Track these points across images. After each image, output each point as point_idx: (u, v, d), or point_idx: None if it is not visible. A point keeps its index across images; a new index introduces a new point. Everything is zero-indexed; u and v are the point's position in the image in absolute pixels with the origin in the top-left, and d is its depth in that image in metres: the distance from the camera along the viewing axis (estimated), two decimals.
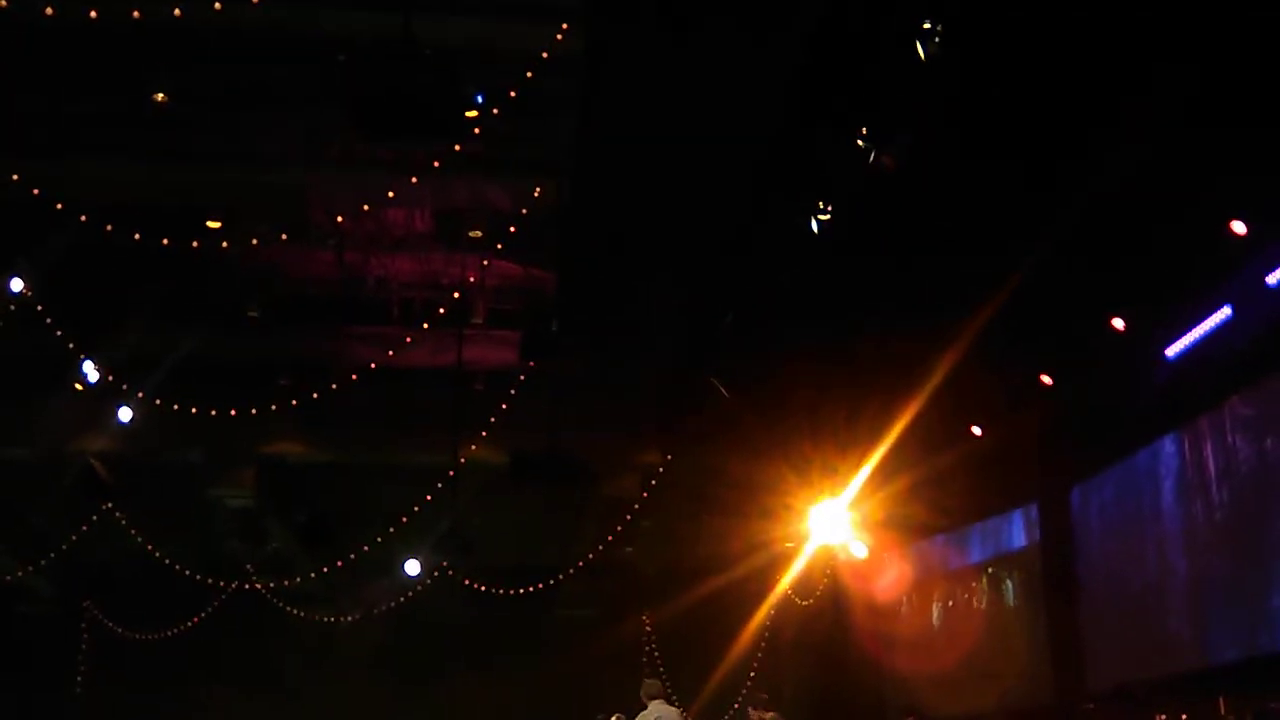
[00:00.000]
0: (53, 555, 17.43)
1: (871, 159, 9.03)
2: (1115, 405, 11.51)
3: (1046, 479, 13.18)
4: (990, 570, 14.73)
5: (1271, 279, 8.86)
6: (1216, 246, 8.81)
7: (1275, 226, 8.37)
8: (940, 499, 14.09)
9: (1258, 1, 6.61)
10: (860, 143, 9.04)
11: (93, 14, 9.94)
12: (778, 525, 16.07)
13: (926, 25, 7.80)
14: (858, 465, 14.18)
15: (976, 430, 13.17)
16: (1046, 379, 11.77)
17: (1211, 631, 10.74)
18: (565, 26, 10.48)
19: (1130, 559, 12.09)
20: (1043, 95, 8.10)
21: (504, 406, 15.05)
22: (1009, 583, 14.25)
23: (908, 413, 12.52)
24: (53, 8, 9.88)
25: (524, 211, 12.88)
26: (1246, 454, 10.14)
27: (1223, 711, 10.55)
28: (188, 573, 17.67)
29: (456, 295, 14.59)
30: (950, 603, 15.52)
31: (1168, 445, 11.31)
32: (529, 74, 10.75)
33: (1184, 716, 10.82)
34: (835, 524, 15.61)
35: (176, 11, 9.90)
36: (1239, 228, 8.59)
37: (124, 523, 16.96)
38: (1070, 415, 11.97)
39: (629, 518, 17.32)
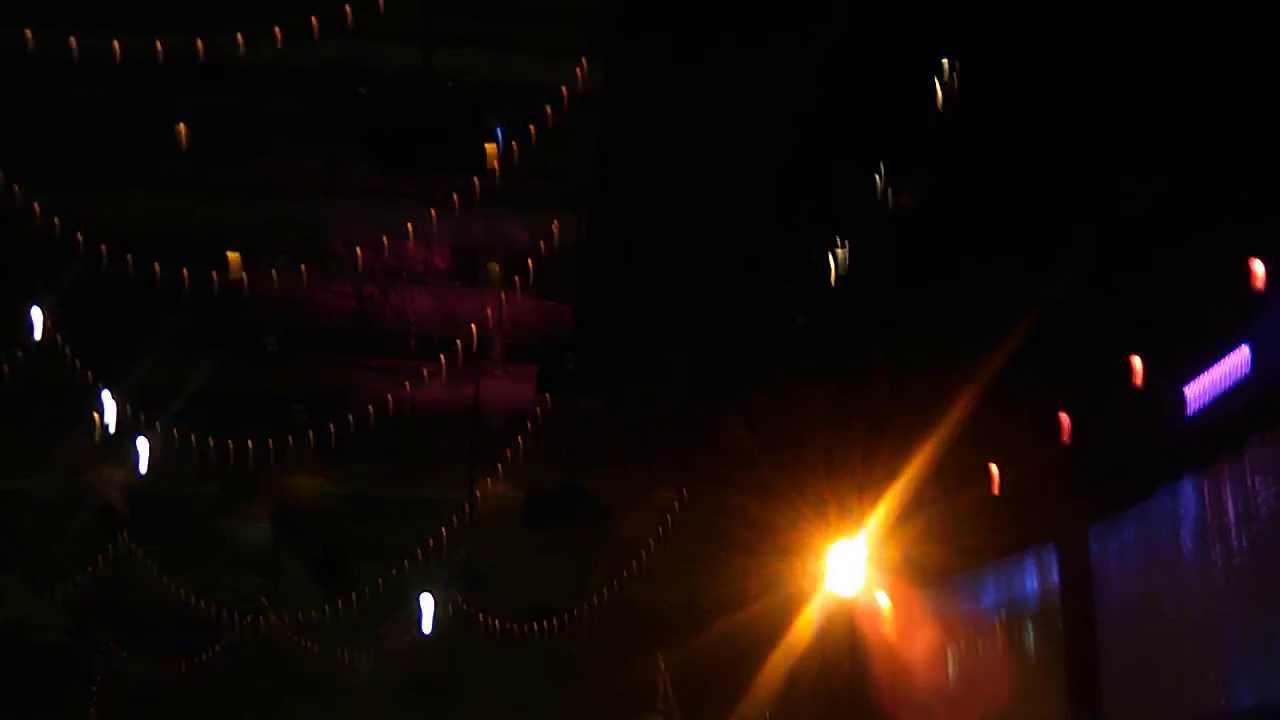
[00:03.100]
0: (68, 588, 17.46)
1: (889, 196, 9.03)
2: (1134, 445, 11.41)
3: (1065, 520, 13.07)
4: (1007, 613, 14.60)
5: None
6: (1236, 285, 8.75)
7: None
8: (958, 539, 13.99)
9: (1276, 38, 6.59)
10: (878, 179, 9.04)
11: (115, 45, 10.02)
12: (794, 565, 15.99)
13: (945, 63, 7.82)
14: (875, 505, 14.11)
15: (994, 470, 13.09)
16: (1065, 418, 11.69)
17: (1230, 677, 10.62)
18: (585, 62, 10.54)
19: (1149, 602, 11.96)
20: (1062, 132, 8.09)
21: (520, 442, 15.07)
22: (1027, 625, 14.13)
23: (925, 452, 12.46)
24: (76, 40, 9.96)
25: (542, 246, 12.93)
26: (1266, 496, 10.04)
27: None
28: (203, 605, 17.68)
29: (474, 330, 14.63)
30: (967, 645, 15.40)
31: (1187, 487, 11.21)
32: (548, 109, 10.80)
33: None
34: (852, 564, 15.52)
35: (199, 44, 9.98)
36: (1258, 267, 8.53)
37: (139, 555, 17.00)
38: (1089, 455, 11.88)
39: (644, 556, 17.28)
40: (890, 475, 13.28)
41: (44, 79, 11.08)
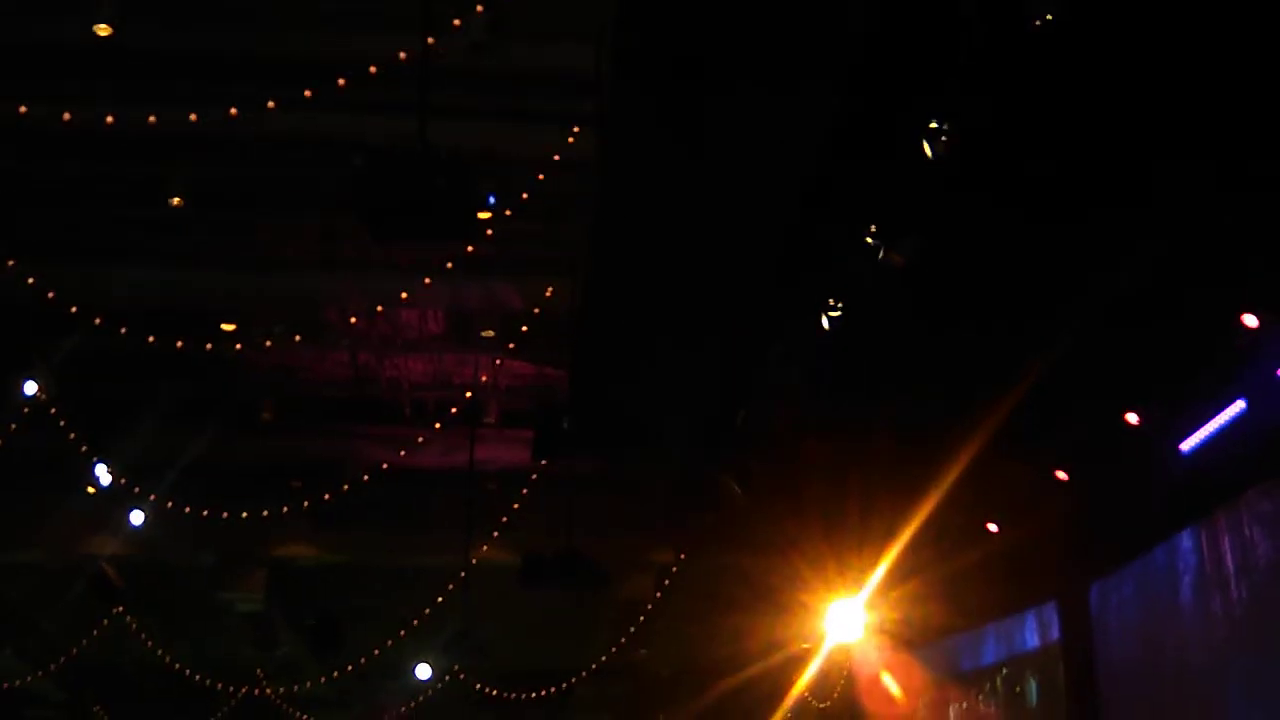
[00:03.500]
0: (63, 659, 17.34)
1: (881, 256, 9.07)
2: (1132, 501, 11.43)
3: (1065, 577, 13.05)
4: (1007, 671, 14.55)
5: None
6: (1228, 340, 8.79)
7: None
8: (958, 598, 13.96)
9: (1266, 99, 6.67)
10: (870, 240, 9.08)
11: (109, 119, 10.07)
12: (794, 624, 15.94)
13: (934, 125, 7.87)
14: (874, 563, 14.09)
15: (993, 527, 13.08)
16: (1063, 475, 11.70)
17: None
18: (577, 129, 10.62)
19: (1150, 657, 11.93)
20: (1051, 192, 8.15)
21: (516, 507, 15.03)
22: (1031, 683, 14.07)
23: (923, 510, 12.46)
24: (70, 113, 10.02)
25: (536, 311, 12.97)
26: (1265, 548, 10.04)
27: None
28: (198, 677, 17.55)
29: (469, 395, 14.64)
30: (968, 704, 15.32)
31: (1185, 541, 11.21)
32: (540, 176, 10.87)
33: None
34: (852, 623, 15.47)
35: (192, 116, 10.04)
36: (1250, 321, 8.58)
37: (134, 627, 16.90)
38: (1087, 511, 11.88)
39: (643, 619, 17.20)
40: (889, 534, 13.28)
41: (38, 152, 11.14)
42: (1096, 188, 7.85)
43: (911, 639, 15.51)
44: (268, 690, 17.91)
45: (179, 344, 12.61)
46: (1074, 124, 7.46)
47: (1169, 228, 7.86)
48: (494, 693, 17.53)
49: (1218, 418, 9.78)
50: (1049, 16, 6.62)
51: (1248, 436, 9.57)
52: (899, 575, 14.08)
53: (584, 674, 17.63)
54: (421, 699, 17.65)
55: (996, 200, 8.34)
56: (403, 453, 14.95)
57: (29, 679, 17.55)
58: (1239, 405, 9.52)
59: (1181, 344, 9.15)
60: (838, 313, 10.10)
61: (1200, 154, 7.12)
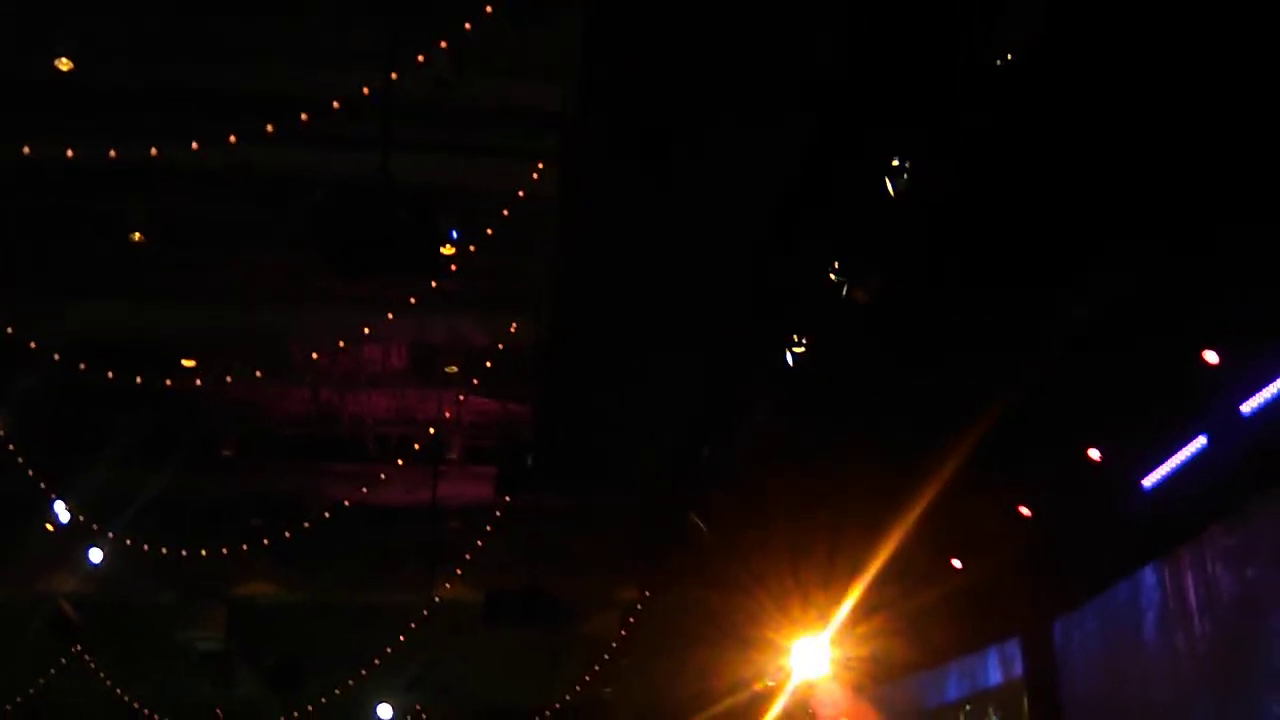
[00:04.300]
0: (18, 700, 17.10)
1: (844, 293, 9.09)
2: (1095, 537, 11.45)
3: (1029, 612, 13.06)
4: (971, 707, 14.52)
5: (1245, 408, 8.88)
6: (1190, 376, 8.83)
7: (1247, 355, 8.40)
8: (922, 634, 13.94)
9: (1227, 146, 6.72)
10: (833, 276, 9.11)
11: (69, 153, 10.01)
12: (759, 661, 15.88)
13: (895, 162, 7.91)
14: (839, 599, 14.06)
15: (957, 563, 13.09)
16: (1026, 511, 11.72)
17: None
18: (541, 165, 10.62)
19: (1114, 693, 11.93)
20: (1012, 229, 8.19)
21: (479, 544, 14.95)
22: (994, 719, 14.05)
23: (888, 546, 12.45)
24: (30, 147, 9.94)
25: (500, 347, 12.93)
26: (1228, 583, 10.07)
27: None
28: (157, 717, 17.33)
29: (432, 431, 14.57)
30: None
31: (1148, 576, 11.24)
32: (505, 212, 10.86)
33: None
34: (817, 660, 15.42)
35: (153, 151, 9.98)
36: (1211, 357, 8.62)
37: (93, 665, 16.70)
38: (1051, 547, 11.90)
39: (608, 656, 17.11)
40: (853, 570, 13.26)
41: None
42: (1058, 224, 7.89)
43: (876, 675, 15.48)
44: None
45: (139, 379, 12.51)
46: (1036, 161, 7.51)
47: (1131, 263, 7.90)
48: None
49: (1179, 453, 9.81)
50: (1009, 56, 6.67)
51: (1210, 472, 9.60)
52: (864, 611, 14.05)
53: (548, 712, 17.50)
54: None
55: (959, 237, 8.38)
56: (365, 490, 14.87)
57: None
58: (1200, 441, 9.55)
59: (1143, 380, 9.19)
60: (802, 349, 10.12)
61: (1162, 190, 7.17)
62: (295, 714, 17.10)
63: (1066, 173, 7.42)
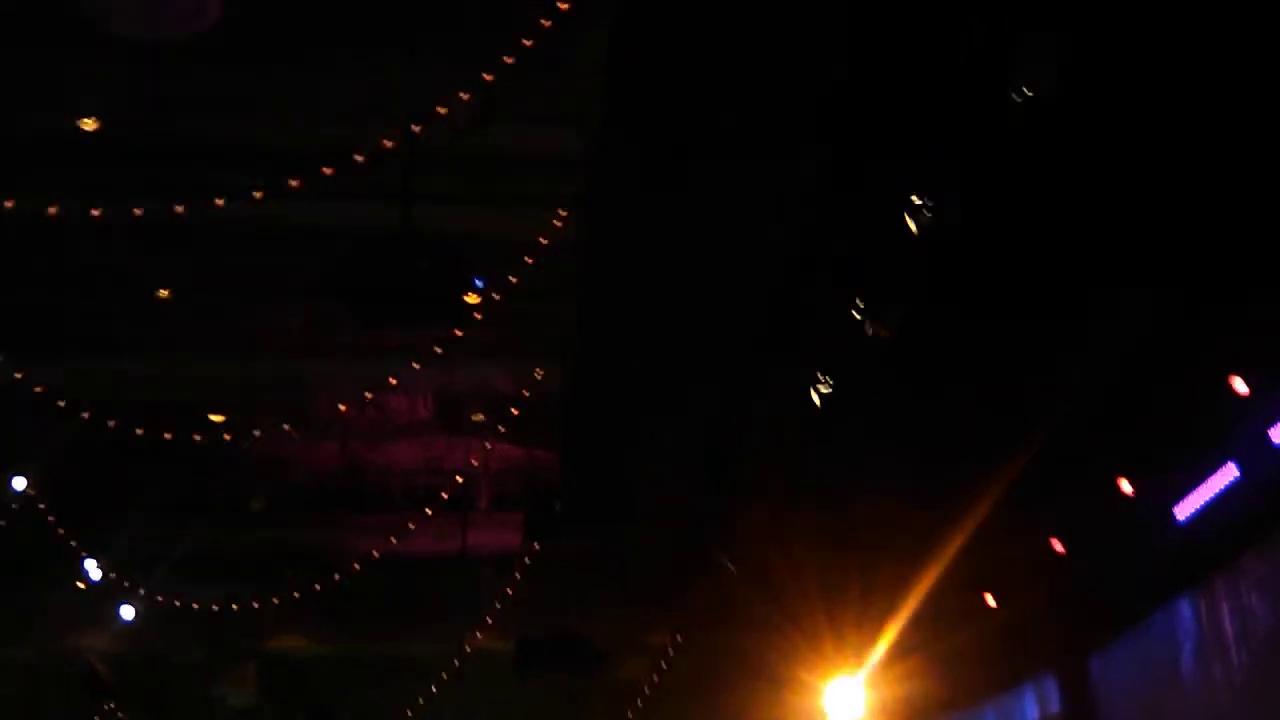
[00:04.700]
0: None
1: (868, 330, 9.08)
2: (1128, 569, 11.37)
3: (1064, 648, 12.95)
4: None
5: (1275, 435, 8.82)
6: (1219, 405, 8.79)
7: (1276, 382, 8.36)
8: (956, 673, 13.83)
9: (1254, 172, 6.72)
10: (856, 314, 9.10)
11: (95, 212, 10.10)
12: (793, 703, 15.75)
13: (915, 200, 7.92)
14: (872, 639, 13.96)
15: (990, 601, 12.99)
16: (1058, 546, 11.65)
17: None
18: (564, 212, 10.67)
19: None
20: (1037, 261, 8.19)
21: (510, 592, 14.92)
22: None
23: (920, 584, 12.38)
24: (56, 207, 10.04)
25: (525, 393, 12.96)
26: (1264, 612, 9.98)
27: None
28: None
29: (459, 480, 14.58)
30: None
31: (1184, 608, 11.15)
32: (528, 259, 10.91)
33: None
34: (852, 702, 15.30)
35: (179, 209, 10.07)
36: (1240, 385, 8.58)
37: None
38: (1084, 582, 11.81)
39: (640, 701, 17.01)
40: (886, 609, 13.17)
41: (25, 245, 11.16)
42: (1082, 254, 7.89)
43: (911, 717, 15.35)
44: None
45: (167, 436, 12.57)
46: (1058, 195, 7.51)
47: (1157, 292, 7.88)
48: None
49: (1211, 483, 9.75)
50: (1029, 92, 6.69)
51: (1242, 501, 9.54)
52: (897, 651, 13.95)
53: None
54: None
55: (983, 271, 8.38)
56: (394, 540, 14.88)
57: None
58: (1232, 470, 9.50)
59: (1173, 410, 9.14)
60: (827, 387, 10.10)
61: (1189, 218, 7.16)
62: None
63: (1090, 204, 7.43)
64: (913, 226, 7.93)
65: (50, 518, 13.51)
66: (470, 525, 15.23)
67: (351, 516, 15.77)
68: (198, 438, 12.87)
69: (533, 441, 14.64)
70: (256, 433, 13.25)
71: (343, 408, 13.40)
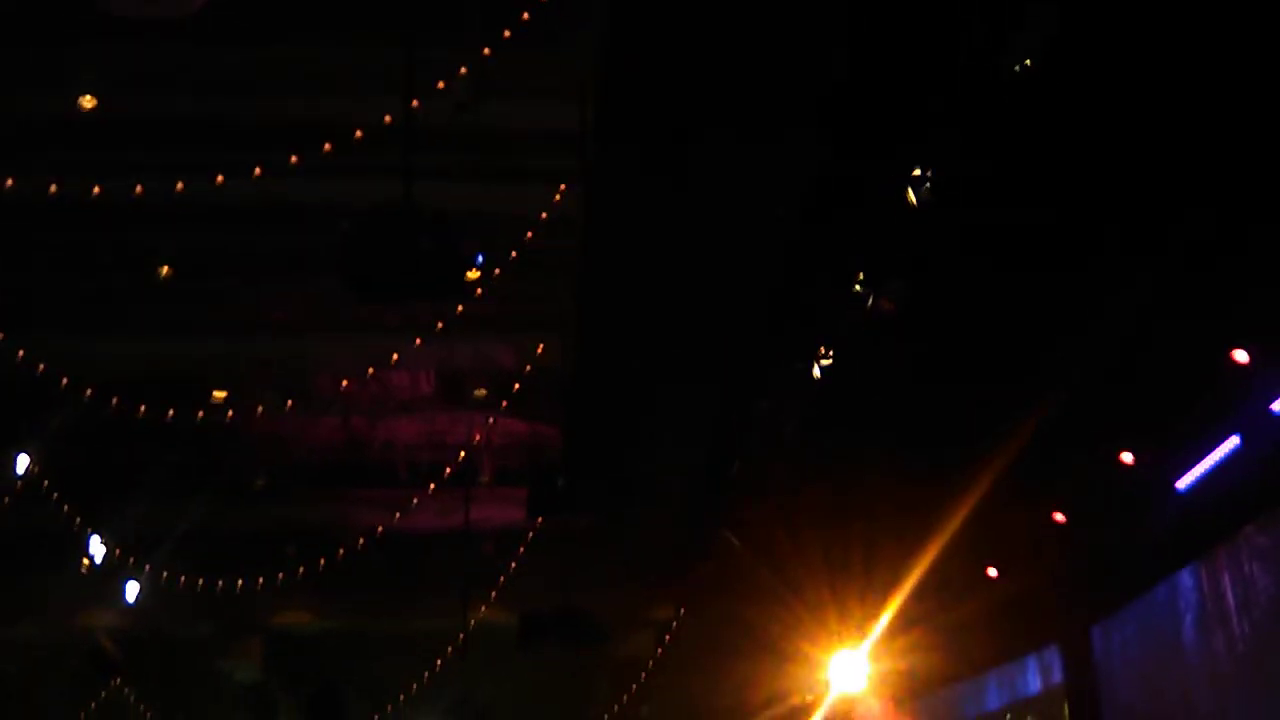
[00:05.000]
0: None
1: (870, 303, 9.07)
2: (1130, 541, 11.39)
3: (1066, 619, 12.98)
4: (1011, 716, 14.44)
5: (1277, 406, 8.83)
6: (1220, 377, 8.79)
7: (1277, 354, 8.36)
8: (960, 645, 13.87)
9: (1256, 144, 6.70)
10: (858, 287, 9.09)
11: (96, 190, 10.10)
12: (796, 675, 15.81)
13: (917, 172, 7.90)
14: (876, 612, 14.00)
15: (993, 573, 13.02)
16: (1060, 517, 11.67)
17: None
18: (563, 187, 10.66)
19: (1154, 697, 11.85)
20: (1038, 233, 8.17)
21: (513, 566, 14.96)
22: None
23: (923, 557, 12.40)
24: (57, 185, 10.04)
25: (528, 369, 12.97)
26: (1265, 583, 10.00)
27: None
28: None
29: (462, 455, 14.60)
30: None
31: (1185, 579, 11.17)
32: (529, 234, 10.90)
33: None
34: (855, 673, 15.35)
35: (179, 186, 10.07)
36: (1241, 356, 8.58)
37: (133, 699, 16.77)
38: (1086, 553, 11.84)
39: (644, 675, 17.07)
40: (889, 582, 13.20)
41: (26, 225, 11.16)
42: (1082, 227, 7.87)
43: (915, 688, 15.40)
44: None
45: (170, 413, 12.59)
46: (1058, 167, 7.49)
47: (1157, 265, 7.87)
48: None
49: (1212, 454, 9.75)
50: (1027, 63, 6.67)
51: (1243, 472, 9.54)
52: (901, 623, 13.99)
53: None
54: None
55: (984, 245, 8.36)
56: (398, 515, 14.91)
57: None
58: (1233, 441, 9.50)
59: (1174, 382, 9.14)
60: (829, 360, 10.10)
61: (1187, 190, 7.14)
62: None
63: (1091, 175, 7.41)
64: (914, 199, 7.91)
65: (54, 497, 13.54)
66: (473, 500, 15.25)
67: (355, 492, 15.81)
68: (201, 415, 12.89)
69: (535, 416, 14.66)
70: (259, 410, 13.28)
71: (345, 384, 13.43)
